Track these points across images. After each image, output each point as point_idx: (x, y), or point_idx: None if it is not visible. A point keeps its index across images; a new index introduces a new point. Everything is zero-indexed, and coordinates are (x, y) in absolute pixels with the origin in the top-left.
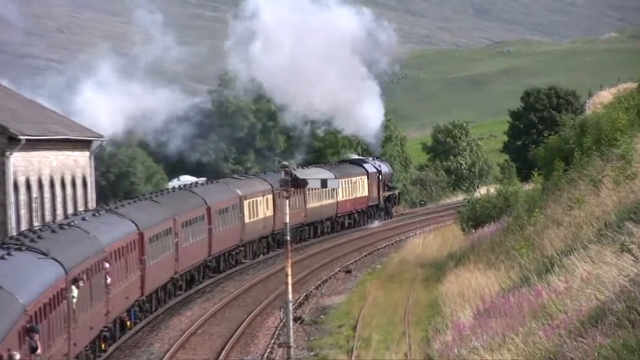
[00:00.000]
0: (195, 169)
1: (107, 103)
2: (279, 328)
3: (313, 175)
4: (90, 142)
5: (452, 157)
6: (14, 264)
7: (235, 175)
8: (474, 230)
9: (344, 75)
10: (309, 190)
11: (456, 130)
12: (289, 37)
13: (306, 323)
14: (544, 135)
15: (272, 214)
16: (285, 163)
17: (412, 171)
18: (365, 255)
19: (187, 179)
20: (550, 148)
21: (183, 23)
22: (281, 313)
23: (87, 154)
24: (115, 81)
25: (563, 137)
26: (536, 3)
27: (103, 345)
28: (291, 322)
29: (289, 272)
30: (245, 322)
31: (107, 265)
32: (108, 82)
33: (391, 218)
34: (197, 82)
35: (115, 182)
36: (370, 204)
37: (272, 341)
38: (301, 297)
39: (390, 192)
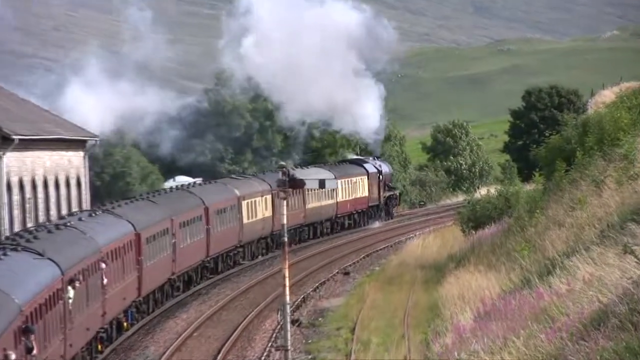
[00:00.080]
0: (191, 170)
1: (96, 102)
2: (276, 331)
3: (312, 175)
4: (84, 142)
5: (452, 157)
6: (9, 264)
7: (234, 175)
8: (474, 232)
9: (341, 71)
10: (308, 191)
11: (456, 130)
12: (285, 33)
13: (304, 326)
14: (546, 134)
15: (270, 214)
16: (283, 163)
17: (411, 171)
18: (364, 257)
19: (182, 179)
20: (551, 148)
21: (178, 21)
22: (278, 315)
23: (81, 154)
24: (104, 80)
25: (565, 137)
26: (537, 1)
27: (99, 347)
28: (289, 325)
29: (287, 274)
30: (242, 324)
31: (103, 265)
32: (97, 81)
33: (392, 219)
34: (193, 80)
35: (110, 182)
36: (370, 204)
37: (270, 344)
38: (299, 300)
39: (391, 193)
